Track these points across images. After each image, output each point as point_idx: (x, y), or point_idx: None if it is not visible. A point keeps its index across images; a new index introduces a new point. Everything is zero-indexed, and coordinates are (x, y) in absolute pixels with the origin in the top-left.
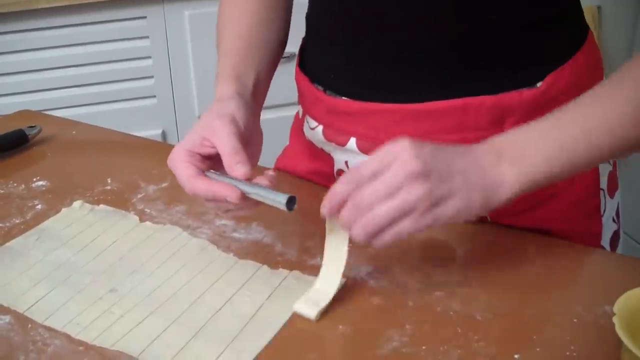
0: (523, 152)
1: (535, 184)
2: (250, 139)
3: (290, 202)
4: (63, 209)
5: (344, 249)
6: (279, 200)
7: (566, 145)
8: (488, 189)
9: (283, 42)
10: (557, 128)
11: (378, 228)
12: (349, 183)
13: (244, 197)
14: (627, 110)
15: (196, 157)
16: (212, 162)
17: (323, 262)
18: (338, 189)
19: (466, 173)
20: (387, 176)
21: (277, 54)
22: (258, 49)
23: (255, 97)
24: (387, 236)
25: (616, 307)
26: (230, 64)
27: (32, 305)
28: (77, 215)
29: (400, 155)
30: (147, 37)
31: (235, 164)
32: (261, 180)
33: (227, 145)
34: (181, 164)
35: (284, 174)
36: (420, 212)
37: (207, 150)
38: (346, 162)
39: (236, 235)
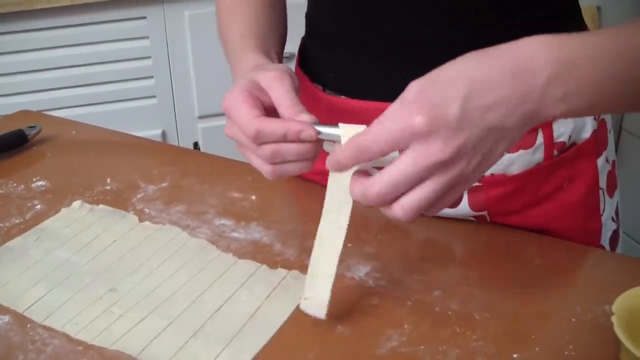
0: (576, 79)
1: (576, 113)
2: None
3: None
4: (62, 209)
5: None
6: None
7: (616, 74)
8: (529, 123)
9: (285, 34)
10: (607, 54)
11: (416, 212)
12: (355, 158)
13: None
14: None
15: (258, 102)
16: (266, 114)
17: (317, 242)
18: (345, 162)
19: (504, 124)
20: (409, 166)
21: (283, 43)
22: (270, 33)
23: None
24: (430, 213)
25: (615, 307)
26: (251, 42)
27: (31, 305)
28: (76, 215)
29: (418, 136)
30: (147, 37)
31: (298, 112)
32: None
33: (285, 97)
34: (243, 104)
35: None
36: (459, 186)
37: (265, 98)
38: None
39: (235, 235)
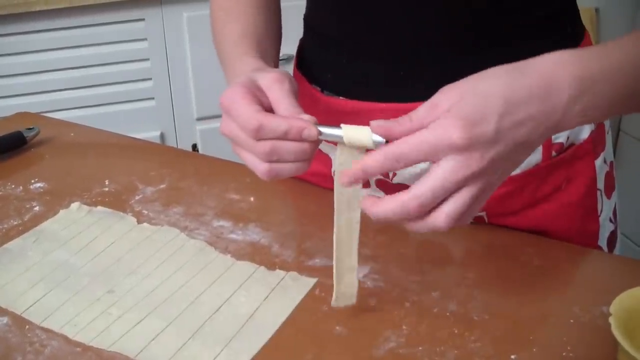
0: (595, 95)
1: (590, 121)
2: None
3: None
4: (61, 211)
5: (356, 225)
6: (378, 139)
7: (626, 89)
8: (549, 134)
9: (280, 38)
10: (624, 68)
11: (458, 220)
12: (389, 167)
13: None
14: None
15: (257, 100)
16: None
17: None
18: (374, 169)
19: (530, 138)
20: (451, 174)
21: (278, 47)
22: (265, 37)
23: None
24: (463, 222)
25: (613, 308)
26: (247, 46)
27: (30, 307)
28: (74, 216)
29: (457, 150)
30: (145, 39)
31: (298, 114)
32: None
33: (284, 100)
34: (243, 100)
35: None
36: (487, 192)
37: (263, 99)
38: None
39: (233, 236)
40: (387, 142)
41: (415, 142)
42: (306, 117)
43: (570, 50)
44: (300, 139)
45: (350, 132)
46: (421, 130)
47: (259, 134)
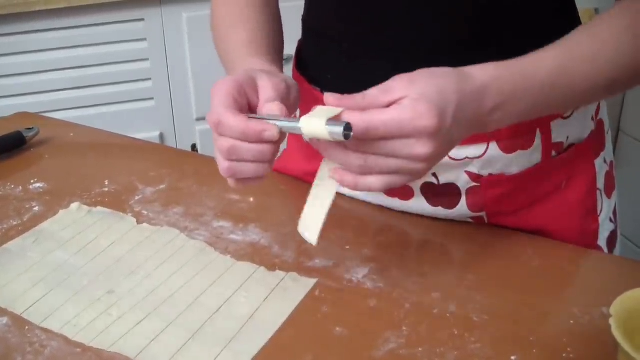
0: (516, 100)
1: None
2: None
3: (347, 129)
4: (60, 211)
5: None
6: (334, 130)
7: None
8: (469, 135)
9: (282, 42)
10: (549, 77)
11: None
12: (360, 123)
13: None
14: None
15: (241, 97)
16: (247, 110)
17: (313, 184)
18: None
19: (460, 138)
20: (404, 149)
21: (282, 51)
22: (269, 42)
23: None
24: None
25: (613, 309)
26: (252, 50)
27: (29, 307)
28: (74, 217)
29: (422, 135)
30: (145, 39)
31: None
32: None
33: (269, 94)
34: (224, 92)
35: (281, 176)
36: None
37: (253, 98)
38: None
39: (233, 237)
40: (345, 137)
41: (390, 117)
42: (272, 106)
43: (503, 65)
44: (259, 140)
45: (307, 126)
46: (394, 107)
47: (218, 130)
